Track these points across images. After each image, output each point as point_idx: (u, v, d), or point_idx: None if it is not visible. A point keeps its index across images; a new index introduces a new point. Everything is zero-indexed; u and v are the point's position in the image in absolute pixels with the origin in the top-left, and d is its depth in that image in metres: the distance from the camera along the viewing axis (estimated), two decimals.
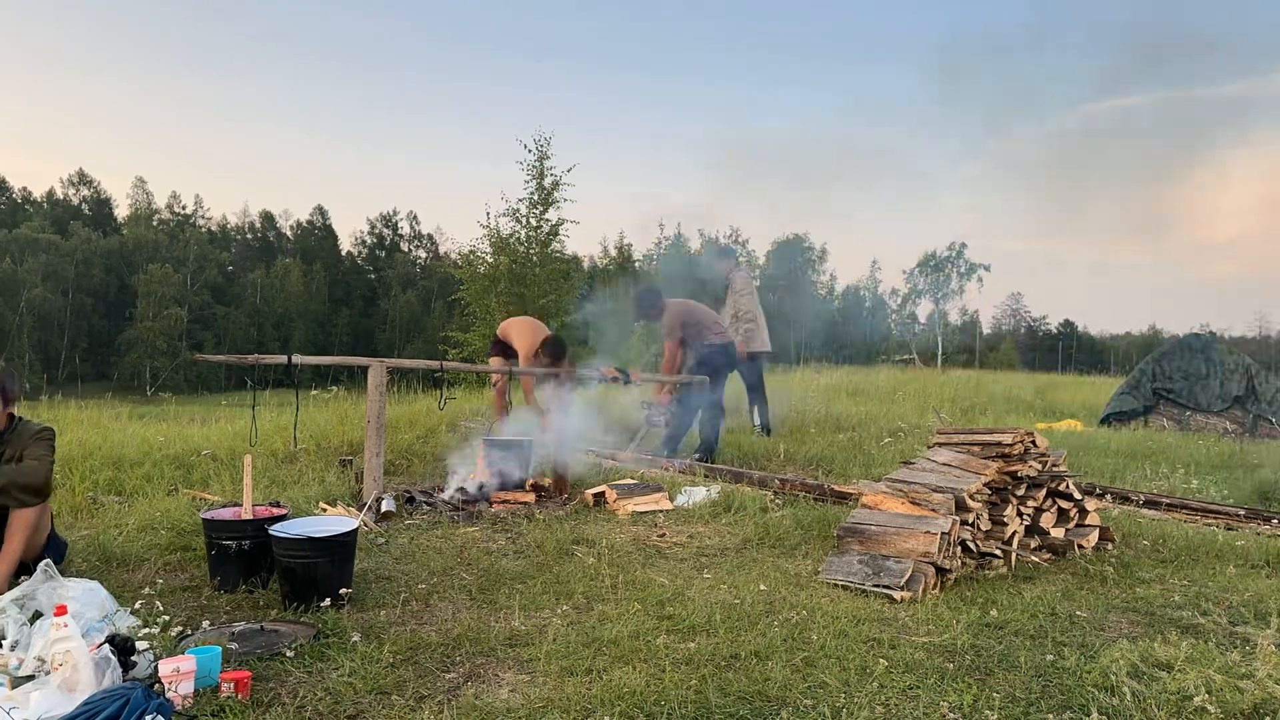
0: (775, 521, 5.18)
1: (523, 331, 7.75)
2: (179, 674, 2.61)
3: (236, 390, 46.27)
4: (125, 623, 3.16)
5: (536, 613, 3.59)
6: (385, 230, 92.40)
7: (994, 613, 3.62)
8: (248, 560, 3.88)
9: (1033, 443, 4.77)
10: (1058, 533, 4.72)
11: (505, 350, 7.84)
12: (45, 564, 3.35)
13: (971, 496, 4.30)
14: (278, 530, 3.70)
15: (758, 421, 9.29)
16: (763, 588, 3.96)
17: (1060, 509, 4.81)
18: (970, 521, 4.26)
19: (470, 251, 18.78)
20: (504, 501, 5.92)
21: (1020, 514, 4.59)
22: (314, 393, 9.74)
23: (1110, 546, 4.85)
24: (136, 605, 3.39)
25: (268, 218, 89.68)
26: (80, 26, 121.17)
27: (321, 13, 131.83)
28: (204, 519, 4.02)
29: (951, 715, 2.63)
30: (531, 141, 17.92)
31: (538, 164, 17.87)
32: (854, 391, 14.30)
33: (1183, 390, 13.09)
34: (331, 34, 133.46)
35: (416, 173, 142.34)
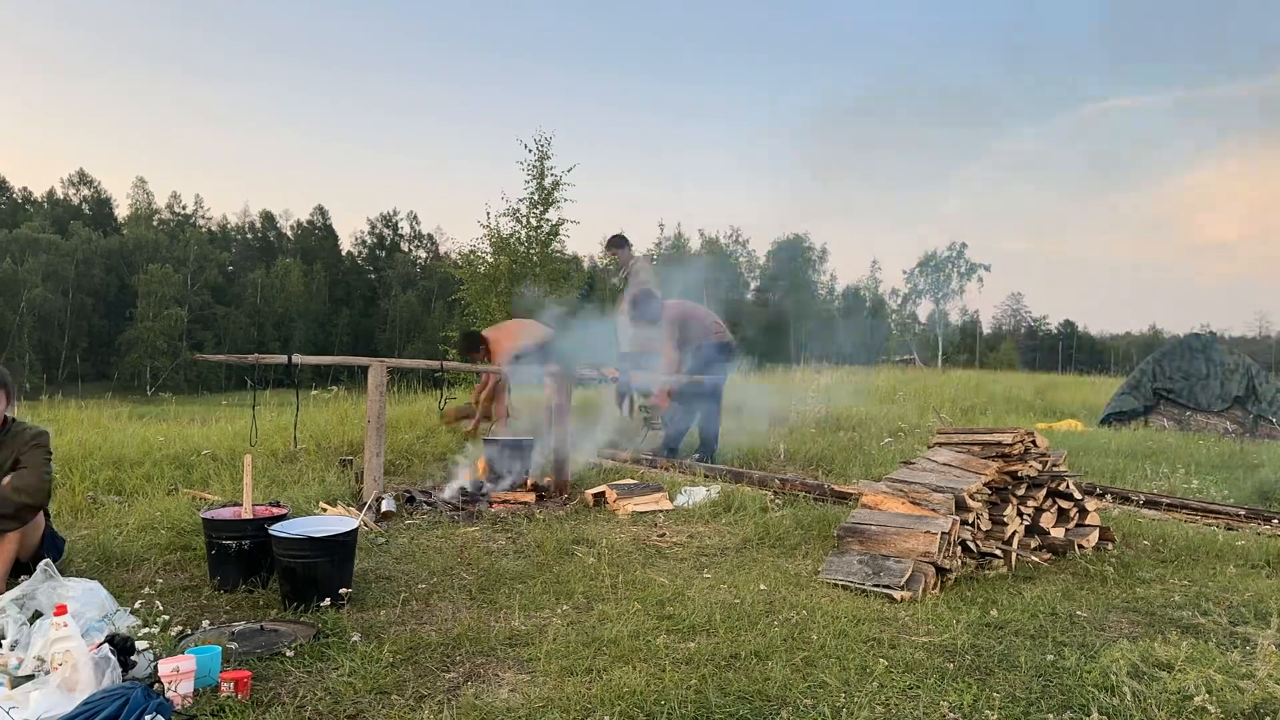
0: (775, 521, 5.18)
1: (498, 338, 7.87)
2: (179, 674, 2.61)
3: (237, 390, 46.29)
4: (125, 622, 3.16)
5: (536, 612, 3.59)
6: (385, 230, 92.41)
7: (994, 613, 3.62)
8: (248, 560, 3.88)
9: (1033, 443, 4.77)
10: (1058, 533, 4.72)
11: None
12: (45, 564, 3.35)
13: (971, 496, 4.30)
14: (278, 530, 3.70)
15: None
16: (763, 587, 3.95)
17: (1060, 509, 4.80)
18: (970, 521, 4.26)
19: (470, 251, 18.76)
20: (504, 501, 5.92)
21: (1020, 514, 4.59)
22: (314, 393, 9.74)
23: (1110, 546, 4.85)
24: (136, 605, 3.39)
25: (268, 218, 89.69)
26: (80, 27, 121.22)
27: (321, 14, 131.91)
28: (204, 519, 4.02)
29: (951, 715, 2.63)
30: (532, 141, 17.91)
31: (538, 164, 17.85)
32: (854, 391, 14.30)
33: (1183, 390, 13.09)
34: (332, 34, 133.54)
35: (417, 173, 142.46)
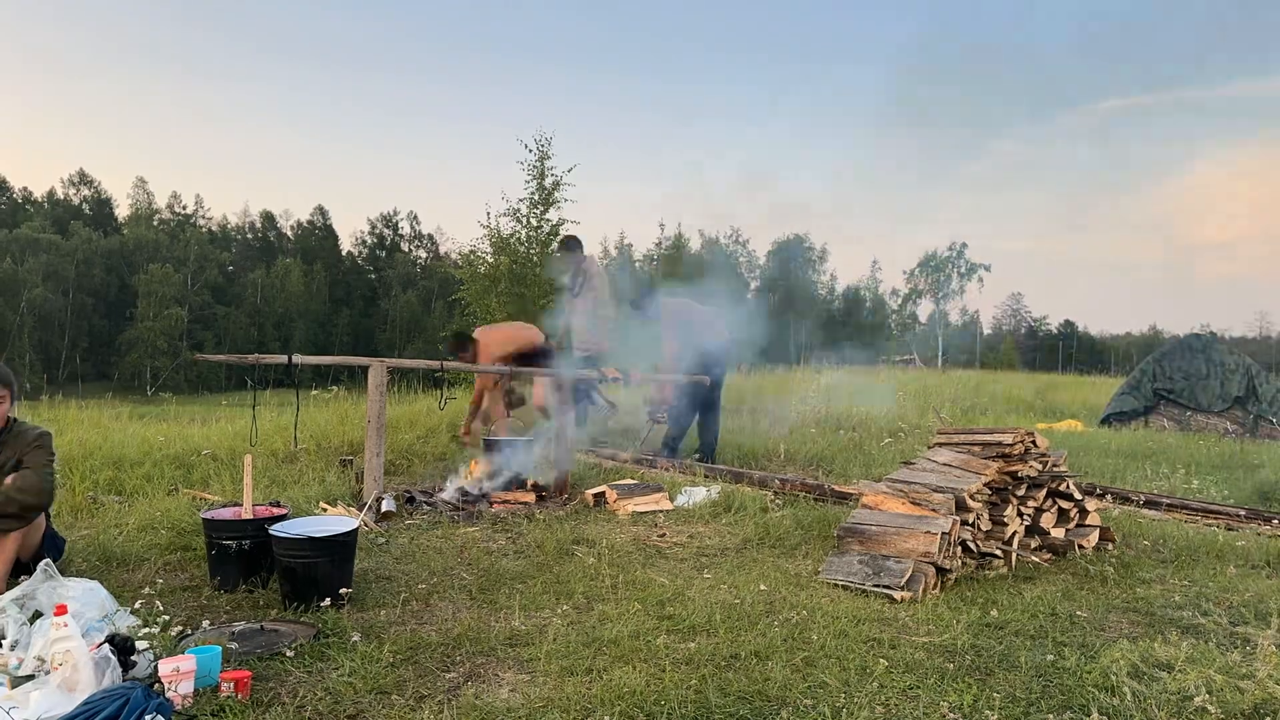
0: (775, 521, 5.18)
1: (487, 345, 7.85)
2: (179, 674, 2.61)
3: (237, 390, 46.30)
4: (125, 622, 3.16)
5: (537, 613, 3.59)
6: (385, 230, 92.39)
7: (994, 613, 3.61)
8: (248, 560, 3.88)
9: (1033, 443, 4.77)
10: (1058, 533, 4.72)
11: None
12: (45, 564, 3.35)
13: (972, 496, 4.30)
14: (278, 530, 3.70)
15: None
16: (763, 588, 3.95)
17: (1060, 509, 4.80)
18: (970, 521, 4.26)
19: (470, 251, 18.77)
20: (504, 501, 5.92)
21: (1020, 514, 4.59)
22: (314, 393, 9.74)
23: (1110, 547, 4.85)
24: (136, 605, 3.39)
25: (268, 218, 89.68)
26: (80, 27, 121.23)
27: (321, 14, 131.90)
28: (204, 519, 4.02)
29: (951, 715, 2.63)
30: (532, 141, 17.91)
31: (538, 164, 17.85)
32: (854, 392, 14.30)
33: (1183, 390, 13.09)
34: (332, 34, 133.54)
35: (417, 173, 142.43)
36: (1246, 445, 10.15)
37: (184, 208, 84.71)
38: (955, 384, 17.38)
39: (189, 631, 3.20)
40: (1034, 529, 4.67)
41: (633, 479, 6.36)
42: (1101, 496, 6.03)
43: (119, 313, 70.22)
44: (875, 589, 3.88)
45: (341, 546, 3.70)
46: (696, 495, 5.88)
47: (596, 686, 2.77)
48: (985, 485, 4.46)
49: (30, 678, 2.69)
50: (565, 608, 3.62)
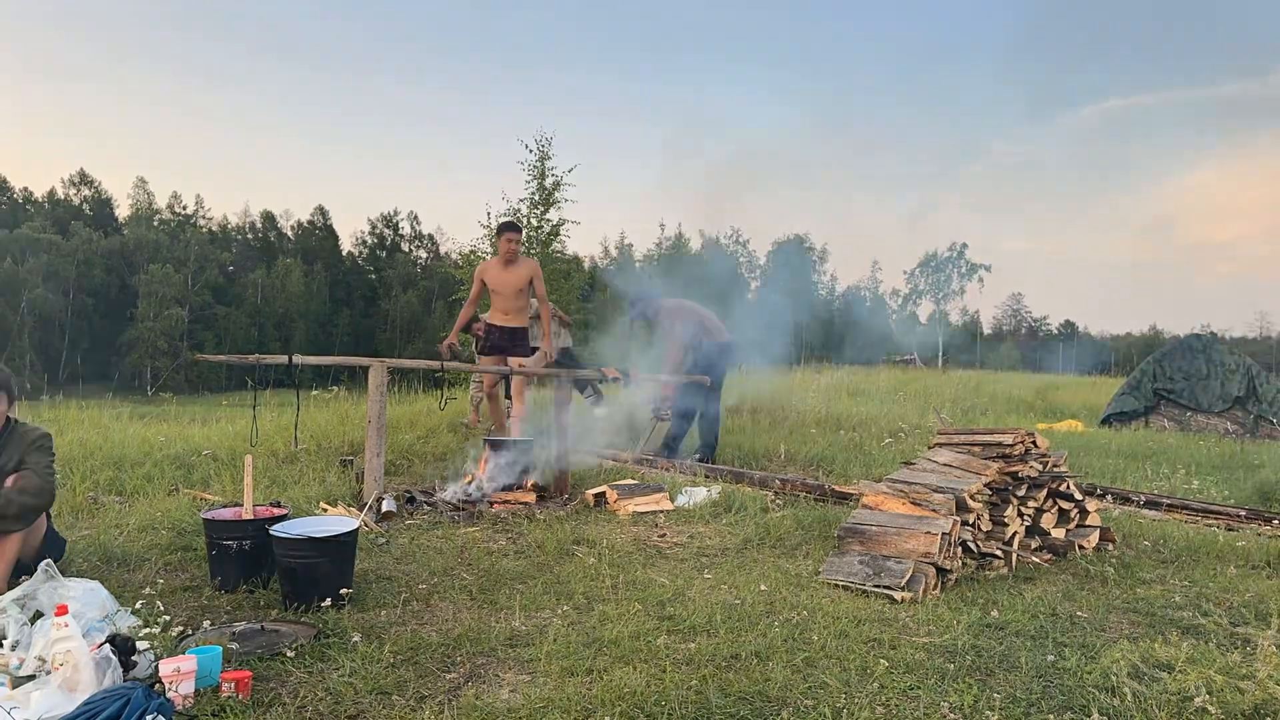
0: (776, 522, 5.18)
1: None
2: (179, 674, 2.61)
3: (237, 390, 46.28)
4: (126, 622, 3.16)
5: (537, 613, 3.59)
6: (386, 230, 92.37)
7: (995, 613, 3.62)
8: (248, 560, 3.88)
9: (1033, 443, 4.77)
10: (1058, 533, 4.72)
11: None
12: (46, 564, 3.35)
13: (972, 497, 4.30)
14: (278, 530, 3.71)
15: None
16: (763, 588, 3.96)
17: (1061, 509, 4.80)
18: (971, 522, 4.26)
19: (471, 252, 18.79)
20: (504, 501, 5.92)
21: (1021, 514, 4.59)
22: (315, 393, 9.75)
23: (1111, 547, 4.85)
24: (137, 605, 3.39)
25: (268, 218, 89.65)
26: (80, 27, 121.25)
27: (321, 14, 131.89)
28: (204, 519, 4.02)
29: (952, 716, 2.63)
30: (533, 141, 17.92)
31: (539, 164, 17.87)
32: (854, 392, 14.31)
33: (1184, 391, 13.09)
34: (332, 35, 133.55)
35: (417, 173, 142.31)
36: (1247, 445, 10.15)
37: (184, 208, 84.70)
38: (955, 384, 17.39)
39: (190, 632, 3.20)
40: (1034, 529, 4.67)
41: (633, 479, 6.37)
42: (1102, 497, 6.03)
43: (119, 313, 70.22)
44: (876, 589, 3.89)
45: (342, 547, 3.70)
46: (697, 495, 5.88)
47: (597, 687, 2.77)
48: (985, 486, 4.46)
49: (31, 678, 2.69)
50: (566, 608, 3.63)
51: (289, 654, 3.01)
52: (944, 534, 4.00)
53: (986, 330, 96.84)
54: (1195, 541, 4.88)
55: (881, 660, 3.03)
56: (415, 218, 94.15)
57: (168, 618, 3.20)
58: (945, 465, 4.63)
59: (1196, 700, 2.65)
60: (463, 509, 5.68)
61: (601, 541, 4.80)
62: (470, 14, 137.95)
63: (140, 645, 2.83)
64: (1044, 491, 4.70)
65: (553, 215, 18.08)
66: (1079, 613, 3.70)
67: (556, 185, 17.98)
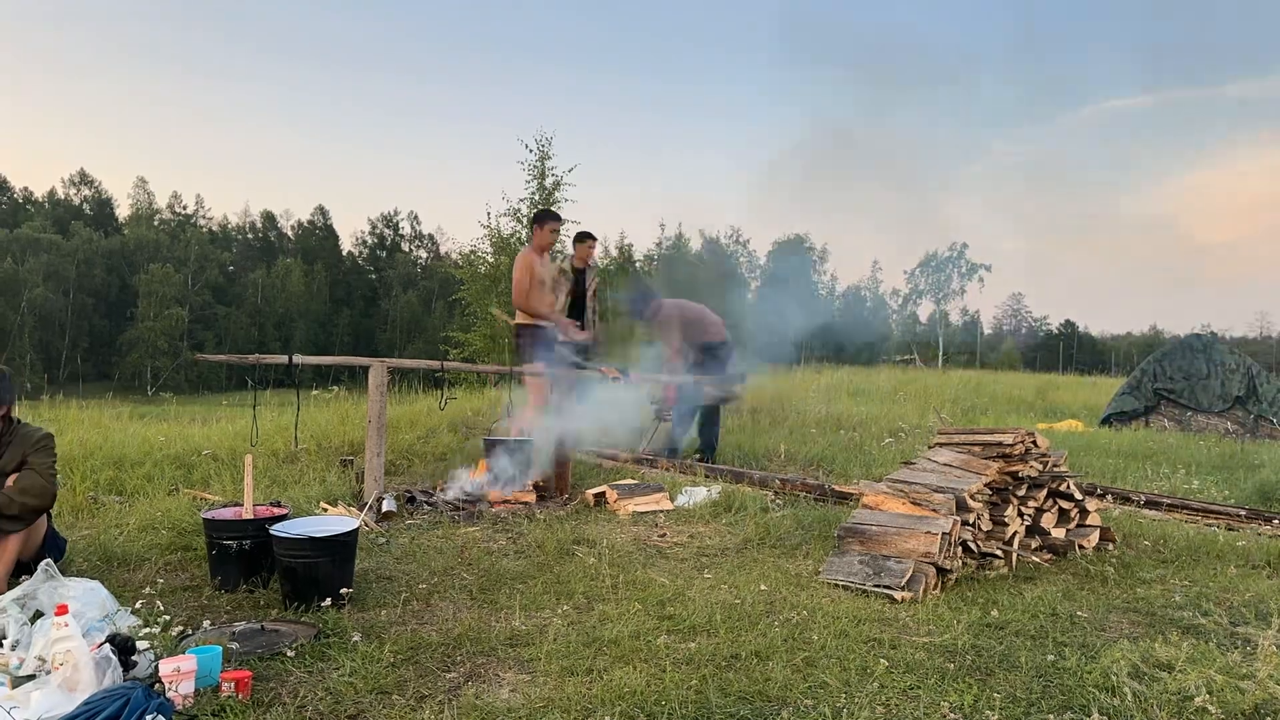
0: (776, 521, 5.18)
1: None
2: (179, 674, 2.61)
3: (237, 390, 46.28)
4: (126, 622, 3.16)
5: (537, 613, 3.59)
6: (386, 230, 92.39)
7: (995, 613, 3.62)
8: (248, 560, 3.88)
9: (1033, 443, 4.76)
10: (1058, 533, 4.71)
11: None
12: (46, 564, 3.35)
13: (972, 497, 4.30)
14: (278, 530, 3.71)
15: None
16: (763, 588, 3.95)
17: (1061, 509, 4.80)
18: (971, 522, 4.26)
19: (471, 252, 18.82)
20: (505, 501, 5.92)
21: (1021, 514, 4.59)
22: (315, 393, 9.75)
23: (1111, 547, 4.85)
24: (137, 605, 3.39)
25: (269, 218, 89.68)
26: (81, 27, 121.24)
27: (321, 14, 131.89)
28: (205, 519, 4.02)
29: (952, 715, 2.63)
30: (533, 141, 17.93)
31: (539, 164, 17.89)
32: (855, 391, 14.31)
33: (1184, 391, 13.08)
34: (332, 34, 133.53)
35: (417, 173, 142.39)
36: (1247, 445, 10.15)
37: (184, 208, 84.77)
38: (956, 384, 17.39)
39: (190, 631, 3.20)
40: (1034, 529, 4.67)
41: (633, 479, 6.37)
42: (1102, 497, 6.03)
43: (120, 313, 70.25)
44: (876, 589, 3.88)
45: (342, 546, 3.70)
46: (697, 495, 5.88)
47: (597, 686, 2.77)
48: (986, 485, 4.46)
49: (31, 677, 2.69)
50: (566, 608, 3.62)
51: (289, 654, 3.01)
52: (944, 534, 4.00)
53: (987, 330, 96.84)
54: (1195, 541, 4.88)
55: (881, 660, 3.03)
56: (415, 218, 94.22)
57: (168, 617, 3.20)
58: (945, 465, 4.63)
59: (1196, 700, 2.65)
60: (463, 509, 5.68)
61: (601, 541, 4.80)
62: (470, 13, 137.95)
63: (140, 645, 2.83)
64: (1044, 491, 4.70)
65: None
66: (1079, 612, 3.70)
67: (557, 185, 17.99)
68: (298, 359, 5.54)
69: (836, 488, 5.94)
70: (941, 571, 4.02)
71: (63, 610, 2.67)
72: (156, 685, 2.61)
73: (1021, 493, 4.62)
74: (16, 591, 3.25)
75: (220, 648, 2.84)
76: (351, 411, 8.54)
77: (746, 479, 6.49)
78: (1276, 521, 5.45)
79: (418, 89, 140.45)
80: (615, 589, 3.90)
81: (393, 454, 7.33)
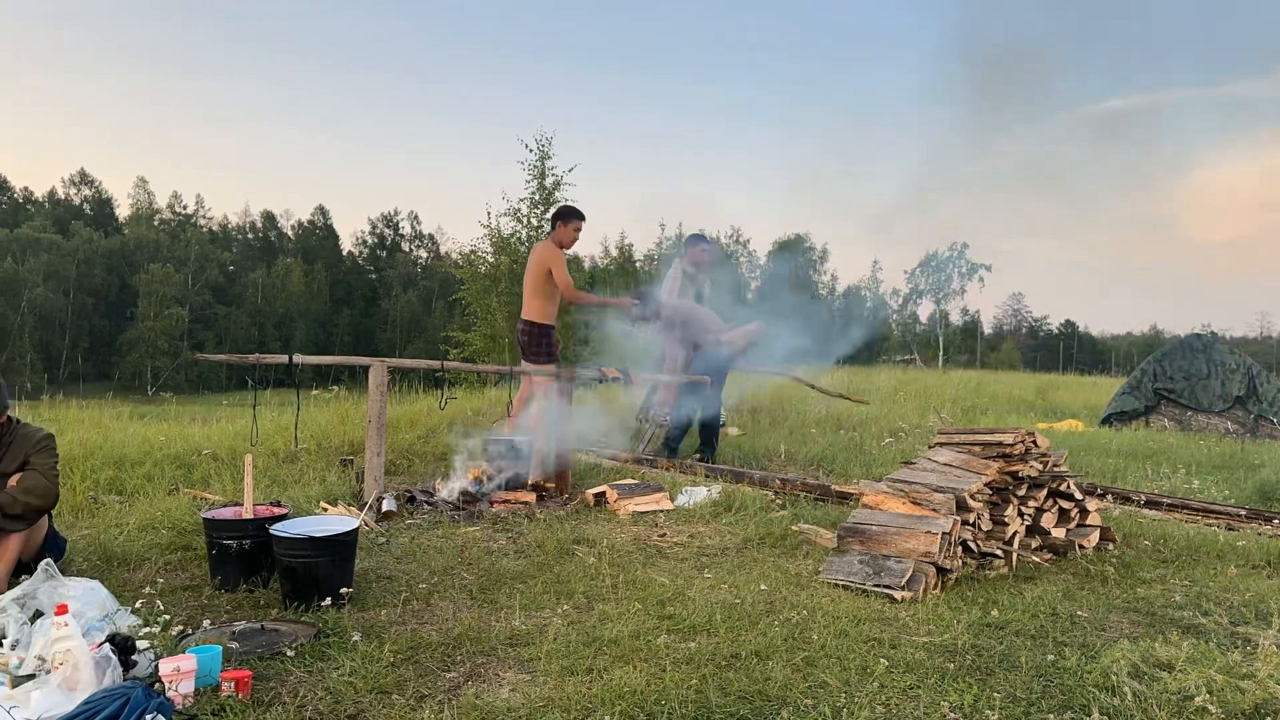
0: (776, 521, 5.18)
1: None
2: (179, 673, 2.61)
3: (237, 390, 46.34)
4: (126, 622, 3.16)
5: (537, 612, 3.59)
6: (386, 230, 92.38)
7: (995, 613, 3.61)
8: (248, 560, 3.88)
9: (1034, 443, 4.76)
10: (1059, 533, 4.71)
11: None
12: (46, 563, 3.35)
13: (972, 496, 4.30)
14: (278, 530, 3.70)
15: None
16: (763, 587, 3.95)
17: (1061, 509, 4.80)
18: (971, 521, 4.25)
19: (471, 251, 18.83)
20: (505, 501, 5.92)
21: (1021, 514, 4.59)
22: (315, 392, 9.75)
23: (1111, 547, 4.85)
24: (137, 604, 3.39)
25: (269, 217, 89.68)
26: (81, 27, 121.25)
27: (321, 13, 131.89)
28: (205, 518, 4.02)
29: (952, 715, 2.63)
30: (533, 141, 17.95)
31: (539, 164, 17.90)
32: (855, 392, 14.28)
33: (1184, 390, 13.07)
34: (331, 34, 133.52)
35: (417, 173, 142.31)
36: (1247, 445, 10.14)
37: (184, 208, 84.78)
38: (956, 384, 17.39)
39: (189, 631, 3.20)
40: (1035, 529, 4.67)
41: (633, 479, 6.36)
42: (1102, 496, 6.03)
43: (120, 313, 70.26)
44: (876, 589, 3.88)
45: (342, 546, 3.70)
46: (697, 495, 5.88)
47: (597, 686, 2.77)
48: (986, 485, 4.45)
49: (31, 677, 2.69)
50: (566, 607, 3.62)
51: (289, 653, 3.01)
52: (944, 533, 4.00)
53: (987, 330, 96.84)
54: (1195, 541, 4.88)
55: (881, 660, 3.03)
56: (415, 217, 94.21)
57: (168, 617, 3.21)
58: (945, 465, 4.63)
59: (1197, 700, 2.65)
60: (463, 509, 5.68)
61: (601, 541, 4.80)
62: (470, 13, 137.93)
63: (140, 644, 2.83)
64: (1044, 491, 4.70)
65: None
66: (1079, 612, 3.70)
67: (557, 185, 18.00)
68: (298, 359, 5.53)
69: (837, 487, 5.94)
70: (941, 571, 4.02)
71: (63, 610, 2.67)
72: (156, 685, 2.61)
73: (1022, 492, 4.62)
74: (16, 591, 3.25)
75: (220, 647, 2.84)
76: (351, 411, 8.54)
77: (746, 479, 6.49)
78: (1277, 521, 5.45)
79: (418, 88, 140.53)
80: (615, 589, 3.90)
81: (393, 454, 7.33)
